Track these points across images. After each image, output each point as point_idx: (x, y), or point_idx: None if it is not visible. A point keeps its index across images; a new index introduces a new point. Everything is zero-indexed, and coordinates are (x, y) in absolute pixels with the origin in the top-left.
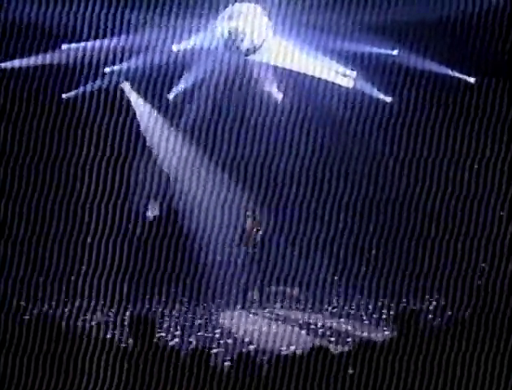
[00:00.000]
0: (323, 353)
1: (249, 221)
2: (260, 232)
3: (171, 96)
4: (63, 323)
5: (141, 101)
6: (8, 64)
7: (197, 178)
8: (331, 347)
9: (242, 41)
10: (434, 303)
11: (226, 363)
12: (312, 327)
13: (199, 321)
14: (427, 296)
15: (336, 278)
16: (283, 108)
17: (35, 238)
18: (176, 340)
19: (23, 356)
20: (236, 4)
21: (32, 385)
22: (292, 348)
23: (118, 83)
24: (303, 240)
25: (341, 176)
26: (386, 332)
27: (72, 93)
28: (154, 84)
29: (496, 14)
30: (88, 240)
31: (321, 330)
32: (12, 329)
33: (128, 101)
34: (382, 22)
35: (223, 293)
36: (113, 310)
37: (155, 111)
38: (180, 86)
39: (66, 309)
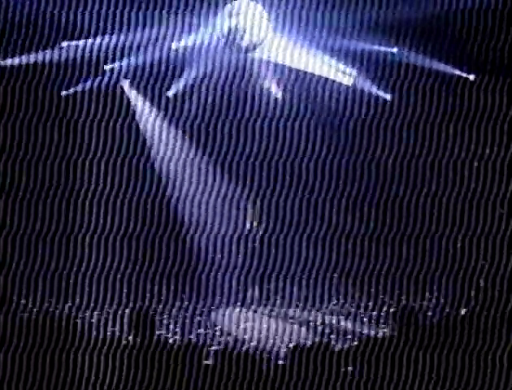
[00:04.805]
0: (322, 350)
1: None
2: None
3: (170, 93)
4: (63, 321)
5: (140, 98)
6: (8, 61)
7: (196, 175)
8: (332, 344)
9: (242, 38)
10: (433, 300)
11: (225, 360)
12: (312, 324)
13: (198, 318)
14: (426, 294)
15: (335, 275)
16: (282, 105)
17: (34, 236)
18: (176, 337)
19: (23, 354)
20: (236, 1)
21: (33, 383)
22: (292, 345)
23: (117, 80)
24: (303, 238)
25: (341, 173)
26: (386, 329)
27: (72, 91)
28: (154, 81)
29: (496, 10)
30: (87, 238)
31: (321, 327)
32: (12, 327)
33: (128, 99)
34: (382, 19)
35: (222, 290)
36: (113, 307)
37: (154, 109)
38: (180, 84)
39: (65, 307)
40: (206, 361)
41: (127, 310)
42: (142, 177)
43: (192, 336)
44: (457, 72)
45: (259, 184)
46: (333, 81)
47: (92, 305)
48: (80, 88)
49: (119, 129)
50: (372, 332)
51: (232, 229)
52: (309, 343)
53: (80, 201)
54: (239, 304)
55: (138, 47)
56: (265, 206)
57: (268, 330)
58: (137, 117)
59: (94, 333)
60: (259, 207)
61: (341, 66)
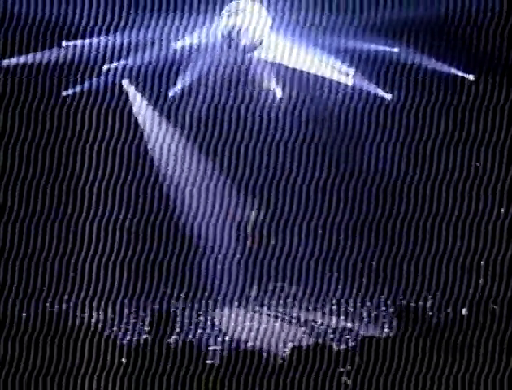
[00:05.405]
0: (322, 350)
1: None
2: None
3: (170, 93)
4: (62, 320)
5: (140, 98)
6: (8, 61)
7: (195, 175)
8: (333, 345)
9: (242, 38)
10: (433, 300)
11: (224, 360)
12: (312, 324)
13: (198, 318)
14: (426, 294)
15: (335, 275)
16: (282, 105)
17: (33, 226)
18: (175, 337)
19: (22, 353)
20: (236, 1)
21: (33, 382)
22: (292, 345)
23: (118, 80)
24: (302, 238)
25: (340, 172)
26: (386, 329)
27: (73, 91)
28: (154, 81)
29: (496, 11)
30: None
31: (321, 327)
32: (10, 326)
33: (128, 99)
34: (382, 19)
35: (221, 290)
36: (112, 308)
37: (155, 109)
38: (180, 84)
39: (64, 307)
40: (208, 361)
41: (130, 310)
42: (141, 175)
43: (191, 336)
44: (458, 73)
45: (258, 183)
46: (333, 81)
47: (91, 304)
48: (80, 88)
49: (118, 128)
50: (372, 332)
51: (233, 228)
52: (309, 343)
53: (79, 198)
54: (239, 304)
55: (139, 47)
56: (264, 206)
57: (268, 330)
58: (137, 116)
59: (92, 330)
60: (259, 213)
61: (341, 66)
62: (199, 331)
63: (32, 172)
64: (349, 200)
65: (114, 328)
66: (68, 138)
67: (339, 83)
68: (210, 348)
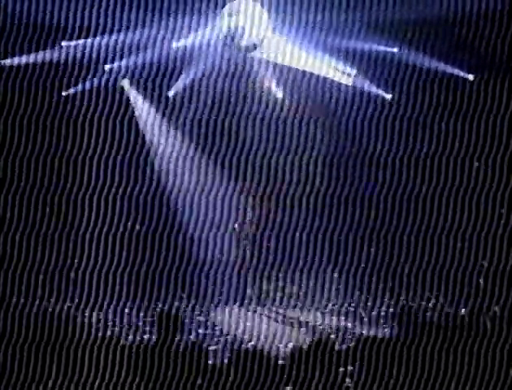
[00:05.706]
0: (322, 350)
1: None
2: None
3: (170, 93)
4: (63, 320)
5: (140, 98)
6: (8, 61)
7: (196, 175)
8: (332, 344)
9: (242, 38)
10: (433, 300)
11: (224, 360)
12: (311, 324)
13: (198, 318)
14: (426, 294)
15: (335, 275)
16: (282, 105)
17: (34, 233)
18: (176, 337)
19: (23, 352)
20: (236, 1)
21: (32, 381)
22: (292, 345)
23: (118, 80)
24: (302, 238)
25: (340, 173)
26: (386, 330)
27: (72, 91)
28: (154, 81)
29: (496, 11)
30: (87, 235)
31: (320, 327)
32: (11, 326)
33: (128, 99)
34: (382, 19)
35: (222, 290)
36: (113, 308)
37: (155, 109)
38: (180, 83)
39: (65, 307)
40: (209, 362)
41: (127, 309)
42: (142, 176)
43: (191, 336)
44: (457, 72)
45: (258, 182)
46: (333, 81)
47: (91, 304)
48: (80, 88)
49: (118, 129)
50: (372, 332)
51: (231, 227)
52: (309, 343)
53: (79, 199)
54: (238, 304)
55: (139, 47)
56: (263, 205)
57: (268, 330)
58: (137, 116)
59: (93, 331)
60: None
61: (341, 66)
62: (200, 331)
63: (33, 180)
64: (349, 206)
65: (116, 330)
66: (69, 147)
67: (338, 83)
68: (211, 348)
